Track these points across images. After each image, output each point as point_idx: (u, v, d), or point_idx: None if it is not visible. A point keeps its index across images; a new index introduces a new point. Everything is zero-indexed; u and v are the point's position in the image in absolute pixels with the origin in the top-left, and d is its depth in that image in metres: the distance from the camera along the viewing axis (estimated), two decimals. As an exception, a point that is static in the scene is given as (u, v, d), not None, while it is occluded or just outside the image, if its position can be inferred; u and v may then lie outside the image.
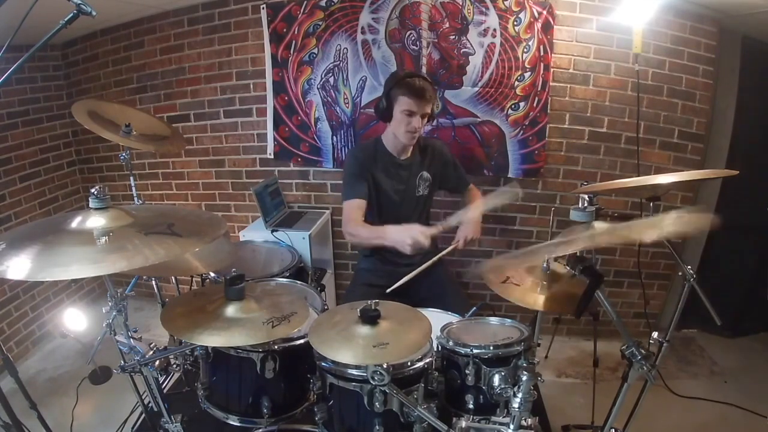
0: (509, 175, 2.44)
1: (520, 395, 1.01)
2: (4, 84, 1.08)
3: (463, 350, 1.24)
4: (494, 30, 2.25)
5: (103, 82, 2.72)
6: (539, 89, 2.30)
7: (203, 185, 2.80)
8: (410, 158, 1.96)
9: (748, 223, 2.45)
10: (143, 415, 1.70)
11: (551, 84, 2.31)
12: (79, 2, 1.03)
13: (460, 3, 2.23)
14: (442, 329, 1.36)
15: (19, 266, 0.87)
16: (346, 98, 2.44)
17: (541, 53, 2.26)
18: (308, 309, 1.31)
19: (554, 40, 2.25)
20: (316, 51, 2.39)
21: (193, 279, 2.24)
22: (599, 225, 1.13)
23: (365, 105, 2.42)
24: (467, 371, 1.23)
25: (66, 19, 1.05)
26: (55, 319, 2.61)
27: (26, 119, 2.55)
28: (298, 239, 2.19)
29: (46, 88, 2.68)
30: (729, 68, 2.36)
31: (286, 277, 1.77)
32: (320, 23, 2.34)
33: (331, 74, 2.42)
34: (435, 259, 1.84)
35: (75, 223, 1.02)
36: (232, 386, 1.32)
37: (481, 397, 1.24)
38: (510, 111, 2.35)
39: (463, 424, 1.09)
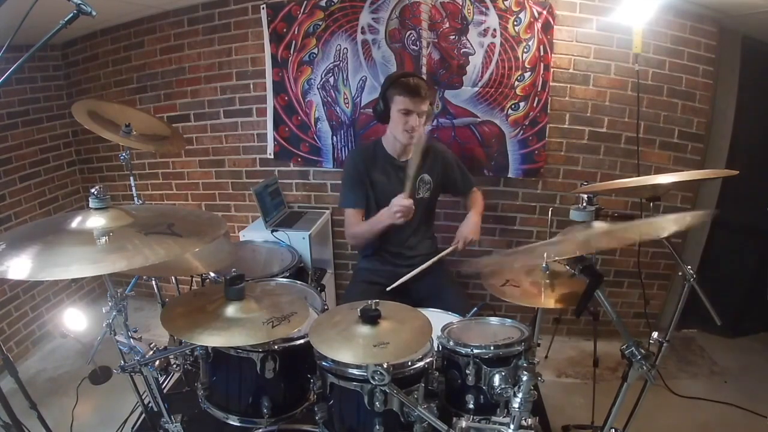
0: (509, 175, 2.44)
1: (520, 395, 1.01)
2: (4, 84, 1.08)
3: (463, 350, 1.25)
4: (494, 30, 2.25)
5: (103, 82, 2.72)
6: (539, 89, 2.30)
7: (203, 185, 2.80)
8: (410, 159, 1.96)
9: (748, 223, 2.46)
10: (143, 415, 1.70)
11: (551, 84, 2.31)
12: (79, 2, 1.03)
13: (460, 3, 2.23)
14: (443, 329, 1.36)
15: (20, 266, 0.87)
16: (346, 98, 2.44)
17: (541, 53, 2.26)
18: (308, 309, 1.31)
19: (554, 40, 2.25)
20: (316, 51, 2.39)
21: (193, 279, 2.24)
22: (599, 225, 1.13)
23: (365, 105, 2.42)
24: (468, 371, 1.23)
25: (66, 19, 1.05)
26: (55, 319, 2.61)
27: (26, 119, 2.55)
28: (298, 239, 2.19)
29: (46, 88, 2.68)
30: (729, 68, 2.36)
31: (286, 277, 1.77)
32: (320, 23, 2.34)
33: (331, 74, 2.42)
34: (435, 259, 1.85)
35: (75, 223, 1.02)
36: (232, 386, 1.32)
37: (482, 397, 1.25)
38: (510, 111, 2.35)
39: (464, 424, 1.09)
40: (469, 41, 2.27)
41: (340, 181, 2.07)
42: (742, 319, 2.61)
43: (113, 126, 1.83)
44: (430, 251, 2.00)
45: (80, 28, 2.58)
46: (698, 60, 2.28)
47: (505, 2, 2.21)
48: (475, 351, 1.23)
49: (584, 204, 1.16)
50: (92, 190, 1.05)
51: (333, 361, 1.17)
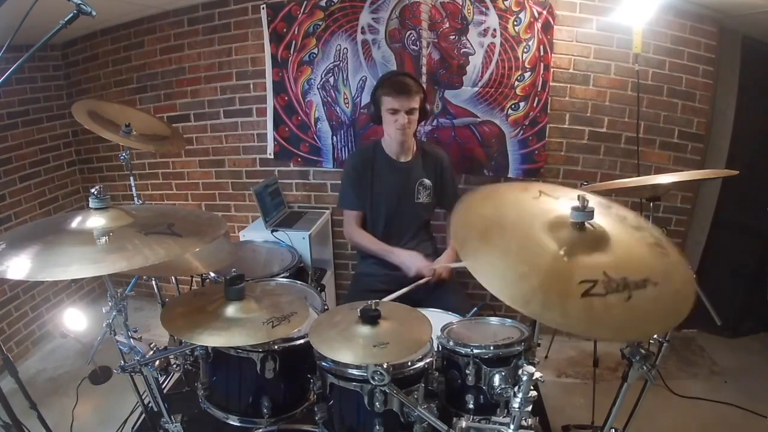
0: (509, 175, 2.44)
1: (520, 395, 1.01)
2: (4, 84, 1.08)
3: (463, 350, 1.24)
4: (494, 30, 2.25)
5: (103, 82, 2.73)
6: (539, 89, 2.30)
7: (203, 185, 2.80)
8: (410, 161, 1.96)
9: (748, 223, 2.45)
10: (143, 415, 1.70)
11: (551, 84, 2.31)
12: (79, 2, 1.03)
13: (460, 3, 2.23)
14: (443, 329, 1.35)
15: (19, 266, 0.87)
16: (346, 98, 2.44)
17: (541, 53, 2.26)
18: (308, 309, 1.31)
19: (554, 40, 2.25)
20: (316, 51, 2.39)
21: (193, 279, 2.24)
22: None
23: (365, 105, 2.42)
24: (467, 371, 1.23)
25: (66, 19, 1.05)
26: (55, 319, 2.61)
27: (26, 119, 2.55)
28: (298, 239, 2.19)
29: (46, 88, 2.69)
30: (729, 68, 2.36)
31: (286, 277, 1.77)
32: (320, 23, 2.34)
33: (331, 74, 2.42)
34: (410, 287, 1.81)
35: (75, 223, 1.02)
36: (232, 386, 1.32)
37: (482, 397, 1.24)
38: (510, 111, 2.35)
39: (464, 424, 1.09)
40: (469, 41, 2.27)
41: (339, 181, 2.07)
42: (742, 319, 2.61)
43: (113, 126, 1.83)
44: (429, 252, 2.01)
45: (80, 28, 2.58)
46: (698, 60, 2.28)
47: (505, 2, 2.21)
48: (475, 351, 1.23)
49: (584, 204, 1.15)
50: (92, 190, 1.05)
51: (333, 361, 1.17)
